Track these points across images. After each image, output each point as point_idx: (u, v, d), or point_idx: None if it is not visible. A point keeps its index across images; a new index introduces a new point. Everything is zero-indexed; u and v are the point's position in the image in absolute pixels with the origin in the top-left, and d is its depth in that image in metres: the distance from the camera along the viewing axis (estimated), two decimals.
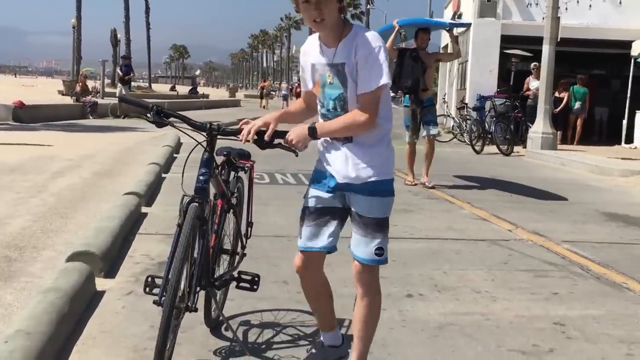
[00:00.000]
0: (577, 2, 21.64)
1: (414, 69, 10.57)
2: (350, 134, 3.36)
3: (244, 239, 4.23)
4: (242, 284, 3.99)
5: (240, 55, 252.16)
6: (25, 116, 21.77)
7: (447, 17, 29.75)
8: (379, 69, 3.24)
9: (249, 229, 4.25)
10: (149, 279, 3.58)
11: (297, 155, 3.53)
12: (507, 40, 22.38)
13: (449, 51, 13.08)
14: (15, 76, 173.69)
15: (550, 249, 6.71)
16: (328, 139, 3.42)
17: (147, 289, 3.55)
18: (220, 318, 4.08)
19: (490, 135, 18.06)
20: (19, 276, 5.19)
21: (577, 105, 20.76)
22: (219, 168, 3.82)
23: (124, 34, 70.81)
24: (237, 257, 4.19)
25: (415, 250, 6.48)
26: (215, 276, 3.82)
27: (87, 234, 5.90)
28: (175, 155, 13.20)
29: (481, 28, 22.56)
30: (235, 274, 4.03)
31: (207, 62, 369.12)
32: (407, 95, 10.83)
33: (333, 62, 3.33)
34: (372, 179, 3.35)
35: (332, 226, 3.44)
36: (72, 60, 60.19)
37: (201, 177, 3.47)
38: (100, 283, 4.99)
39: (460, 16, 24.11)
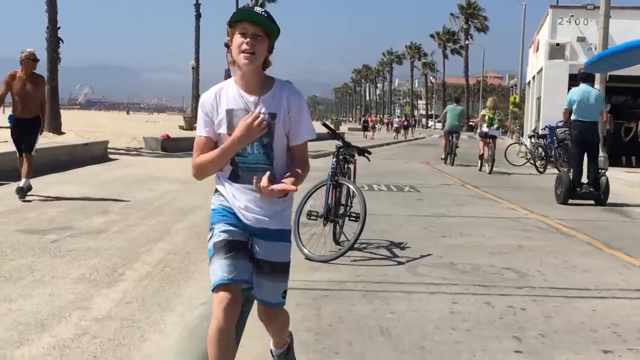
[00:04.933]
0: None
1: None
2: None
3: (351, 198, 8.30)
4: (351, 218, 8.04)
5: (343, 89, 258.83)
6: (170, 147, 26.68)
7: (535, 59, 33.14)
8: (310, 122, 3.66)
9: (355, 195, 8.28)
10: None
11: (369, 160, 7.56)
12: (576, 78, 25.88)
13: None
14: (128, 113, 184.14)
15: (544, 222, 10.57)
16: (241, 187, 3.53)
17: (308, 216, 7.70)
18: (340, 238, 8.16)
19: (551, 159, 21.72)
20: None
21: None
22: (340, 161, 8.00)
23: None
24: (348, 207, 8.26)
25: (458, 221, 10.44)
26: (338, 213, 7.94)
27: None
28: None
29: (551, 69, 26.36)
30: (347, 213, 8.11)
31: (311, 96, 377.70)
32: None
33: (260, 111, 3.48)
34: (285, 227, 3.63)
35: (243, 259, 3.52)
36: (191, 99, 66.46)
37: (334, 163, 7.70)
38: None
39: None
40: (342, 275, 6.70)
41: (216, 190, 3.63)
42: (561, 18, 26.62)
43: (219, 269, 3.46)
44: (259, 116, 3.42)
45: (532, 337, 4.95)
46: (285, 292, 3.67)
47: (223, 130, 3.51)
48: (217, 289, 3.45)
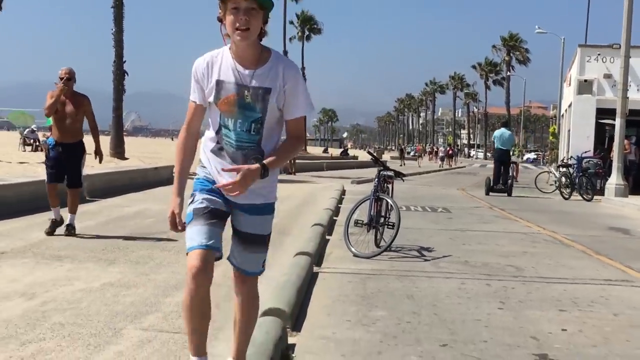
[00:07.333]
0: None
1: None
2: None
3: (389, 211, 10.44)
4: (389, 226, 10.15)
5: (386, 118, 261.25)
6: None
7: (568, 93, 35.21)
8: (308, 96, 3.53)
9: (392, 208, 10.43)
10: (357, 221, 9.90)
11: (403, 181, 9.69)
12: (602, 112, 27.85)
13: None
14: (172, 139, 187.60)
15: (551, 236, 12.62)
16: (222, 170, 3.53)
17: (356, 224, 9.88)
18: (380, 242, 10.30)
19: (576, 186, 23.65)
20: (287, 234, 11.71)
21: None
22: (381, 181, 10.19)
23: None
24: (386, 218, 10.40)
25: (479, 234, 12.54)
26: (379, 222, 10.10)
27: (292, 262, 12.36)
28: (339, 205, 19.79)
29: (580, 103, 28.33)
30: (386, 222, 10.25)
31: (354, 124, 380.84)
32: None
33: (254, 84, 3.41)
34: (269, 201, 3.67)
35: (220, 228, 3.58)
36: None
37: (375, 183, 9.91)
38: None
39: None
40: (381, 266, 8.87)
41: (200, 162, 3.71)
42: (589, 56, 28.58)
43: (196, 234, 3.52)
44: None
45: (513, 302, 7.07)
46: (265, 261, 3.77)
47: (211, 99, 3.52)
48: (192, 255, 3.48)
